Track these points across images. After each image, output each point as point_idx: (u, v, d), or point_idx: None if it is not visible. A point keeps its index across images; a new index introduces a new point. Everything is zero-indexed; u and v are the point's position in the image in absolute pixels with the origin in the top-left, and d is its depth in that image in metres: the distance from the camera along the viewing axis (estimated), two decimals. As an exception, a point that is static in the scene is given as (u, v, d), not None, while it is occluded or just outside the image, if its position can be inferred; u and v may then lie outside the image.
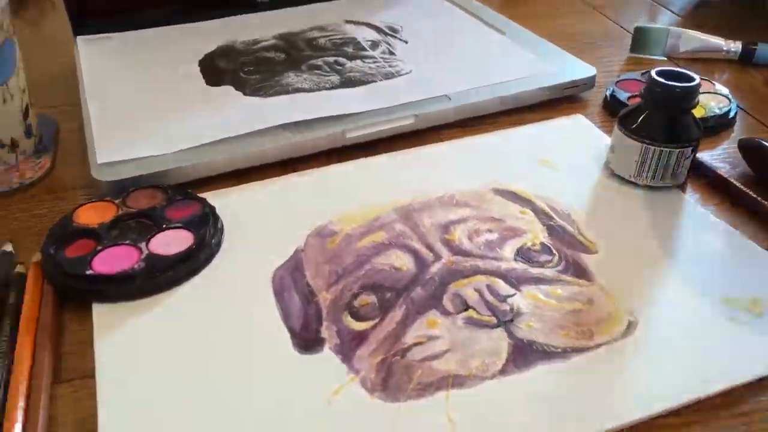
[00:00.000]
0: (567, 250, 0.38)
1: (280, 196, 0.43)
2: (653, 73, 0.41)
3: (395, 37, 0.61)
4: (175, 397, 0.30)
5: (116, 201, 0.40)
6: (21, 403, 0.29)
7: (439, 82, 0.51)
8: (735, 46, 0.60)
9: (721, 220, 0.40)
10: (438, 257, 0.37)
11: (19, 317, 0.33)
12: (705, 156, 0.47)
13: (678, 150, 0.41)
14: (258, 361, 0.31)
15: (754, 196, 0.41)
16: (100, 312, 0.34)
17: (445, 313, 0.34)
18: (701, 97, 0.50)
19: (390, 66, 0.55)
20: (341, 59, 0.56)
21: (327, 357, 0.32)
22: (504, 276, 0.36)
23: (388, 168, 0.45)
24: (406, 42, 0.59)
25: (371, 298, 0.35)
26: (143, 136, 0.45)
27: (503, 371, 0.31)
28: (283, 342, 0.32)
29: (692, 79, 0.40)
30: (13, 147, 0.45)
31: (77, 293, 0.35)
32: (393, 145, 0.47)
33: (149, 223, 0.39)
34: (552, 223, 0.40)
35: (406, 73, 0.54)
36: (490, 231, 0.39)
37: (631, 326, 0.33)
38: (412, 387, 0.30)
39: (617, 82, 0.54)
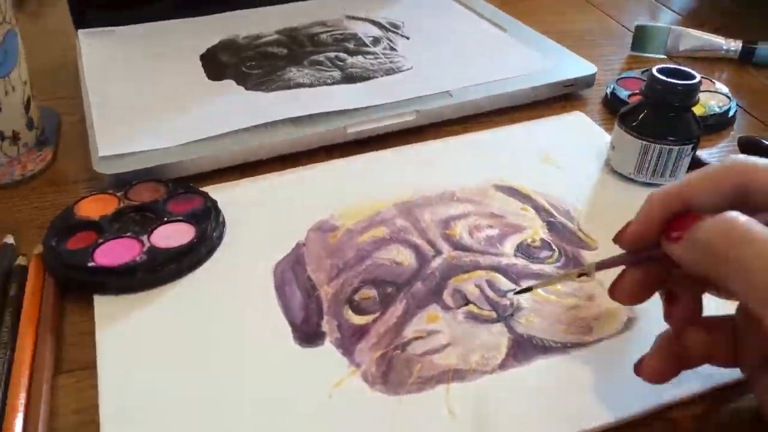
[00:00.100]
0: (567, 246, 0.38)
1: (281, 190, 0.43)
2: (654, 70, 0.41)
3: (397, 33, 0.61)
4: (176, 389, 0.30)
5: (118, 194, 0.40)
6: (22, 394, 0.29)
7: (440, 79, 0.52)
8: (735, 45, 0.60)
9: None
10: (439, 252, 0.37)
11: (20, 309, 0.33)
12: (705, 154, 0.47)
13: (678, 147, 0.41)
14: (259, 354, 0.32)
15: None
16: (101, 304, 0.34)
17: (446, 307, 0.34)
18: (701, 96, 0.50)
19: (391, 62, 0.55)
20: (343, 55, 0.56)
21: (328, 350, 0.32)
22: (504, 271, 0.36)
23: (390, 163, 0.45)
24: (408, 38, 0.60)
25: (372, 293, 0.35)
26: (145, 129, 0.46)
27: (503, 365, 0.31)
28: (284, 335, 0.33)
29: (693, 77, 0.40)
30: (14, 139, 0.45)
31: (79, 285, 0.35)
32: (394, 140, 0.48)
33: (151, 216, 0.39)
34: (552, 219, 0.40)
35: (408, 69, 0.54)
36: (490, 227, 0.39)
37: (629, 322, 0.33)
38: (412, 381, 0.30)
39: (618, 79, 0.54)
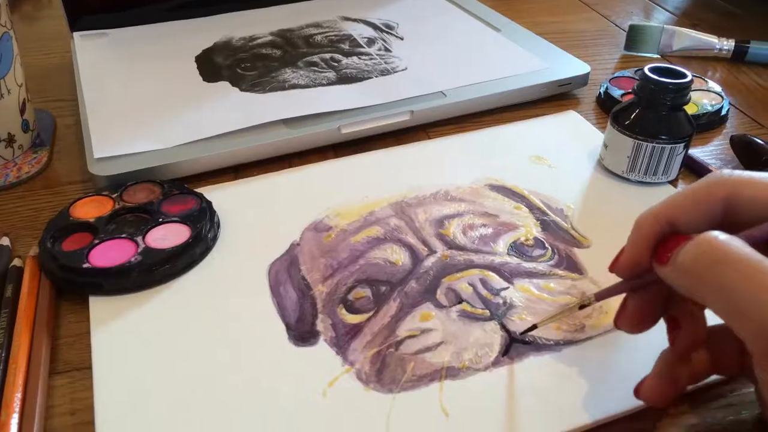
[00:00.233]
0: (560, 244, 0.38)
1: (276, 191, 0.43)
2: (646, 69, 0.41)
3: (391, 33, 0.61)
4: (171, 389, 0.30)
5: (113, 195, 0.40)
6: (18, 394, 0.29)
7: (434, 79, 0.52)
8: (728, 44, 0.60)
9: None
10: (432, 251, 0.37)
11: (16, 310, 0.34)
12: (697, 152, 0.47)
13: (670, 146, 0.41)
14: (254, 354, 0.32)
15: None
16: (96, 304, 0.34)
17: (439, 306, 0.34)
18: (694, 95, 0.50)
19: (386, 63, 0.55)
20: (337, 56, 0.56)
21: (322, 349, 0.32)
22: (497, 270, 0.36)
23: (384, 163, 0.45)
24: (402, 39, 0.60)
25: (366, 292, 0.35)
26: (140, 131, 0.46)
27: (496, 363, 0.31)
28: (278, 334, 0.33)
29: (684, 76, 0.41)
30: (10, 142, 0.46)
31: (74, 286, 0.35)
32: (388, 140, 0.48)
33: (146, 217, 0.39)
34: (545, 218, 0.40)
35: (402, 70, 0.54)
36: (484, 226, 0.39)
37: (622, 319, 0.33)
38: (406, 378, 0.30)
39: (611, 79, 0.54)
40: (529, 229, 0.39)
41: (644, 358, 0.31)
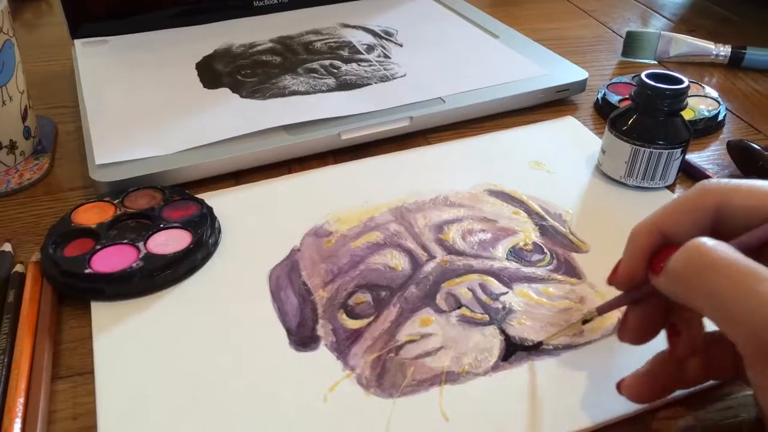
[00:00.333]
0: (559, 249, 0.39)
1: (276, 196, 0.43)
2: (643, 75, 0.42)
3: (390, 40, 0.61)
4: (173, 394, 0.30)
5: (114, 201, 0.40)
6: (21, 399, 0.30)
7: (433, 85, 0.52)
8: (724, 50, 0.61)
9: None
10: (432, 256, 0.38)
11: (18, 316, 0.34)
12: (694, 157, 0.47)
13: (667, 151, 0.42)
14: (255, 359, 0.32)
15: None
16: (98, 310, 0.35)
17: (439, 311, 0.34)
18: (691, 100, 0.51)
19: (385, 69, 0.55)
20: (337, 62, 0.57)
21: (323, 354, 0.32)
22: (497, 275, 0.36)
23: (383, 169, 0.46)
24: (401, 45, 0.60)
25: (366, 297, 0.35)
26: (141, 137, 0.46)
27: (495, 367, 0.31)
28: (279, 340, 0.33)
29: (681, 82, 0.41)
30: (12, 148, 0.46)
31: (76, 292, 0.36)
32: (388, 146, 0.48)
33: (147, 222, 0.39)
34: (544, 223, 0.41)
35: (401, 76, 0.54)
36: (483, 231, 0.40)
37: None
38: (406, 383, 0.31)
39: (608, 85, 0.55)
40: (528, 234, 0.40)
41: (643, 361, 0.31)
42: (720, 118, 0.51)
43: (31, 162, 0.47)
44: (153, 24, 0.63)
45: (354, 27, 0.64)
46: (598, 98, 0.54)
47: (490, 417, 0.29)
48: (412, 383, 0.31)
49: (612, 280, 0.29)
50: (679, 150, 0.42)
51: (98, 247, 0.37)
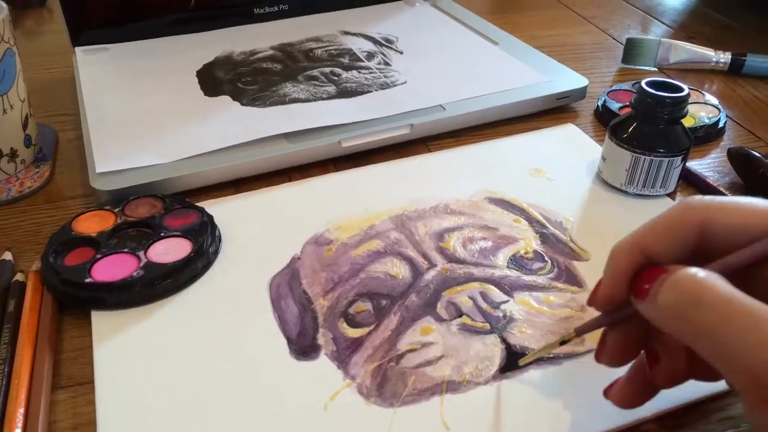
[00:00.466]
0: (559, 257, 0.38)
1: (277, 204, 0.43)
2: (643, 83, 0.42)
3: (390, 47, 0.61)
4: (173, 403, 0.30)
5: (115, 210, 0.40)
6: (21, 409, 0.30)
7: (433, 93, 0.52)
8: (725, 57, 0.61)
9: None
10: (433, 265, 0.38)
11: (19, 325, 0.34)
12: (695, 165, 0.47)
13: (668, 159, 0.42)
14: (255, 368, 0.32)
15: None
16: (98, 319, 0.35)
17: (440, 319, 0.34)
18: (691, 107, 0.51)
19: (385, 76, 0.55)
20: (337, 70, 0.57)
21: (323, 363, 0.32)
22: (497, 283, 0.36)
23: (384, 177, 0.46)
24: (402, 52, 0.60)
25: (367, 305, 0.35)
26: (142, 145, 0.46)
27: (496, 377, 0.31)
28: (280, 348, 0.33)
29: (681, 90, 0.41)
30: (12, 156, 0.46)
31: (76, 301, 0.36)
32: (388, 154, 0.48)
33: (148, 231, 0.39)
34: (545, 231, 0.41)
35: (402, 84, 0.54)
36: (484, 239, 0.40)
37: (621, 332, 0.33)
38: (407, 392, 0.31)
39: (609, 92, 0.55)
40: (529, 242, 0.40)
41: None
42: (720, 125, 0.51)
43: (32, 170, 0.47)
44: (154, 31, 0.64)
45: (354, 34, 0.64)
46: (598, 105, 0.54)
47: (492, 426, 0.29)
48: (413, 392, 0.31)
49: (592, 302, 0.28)
50: (680, 158, 0.42)
51: (99, 256, 0.37)
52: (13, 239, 0.41)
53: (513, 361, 0.32)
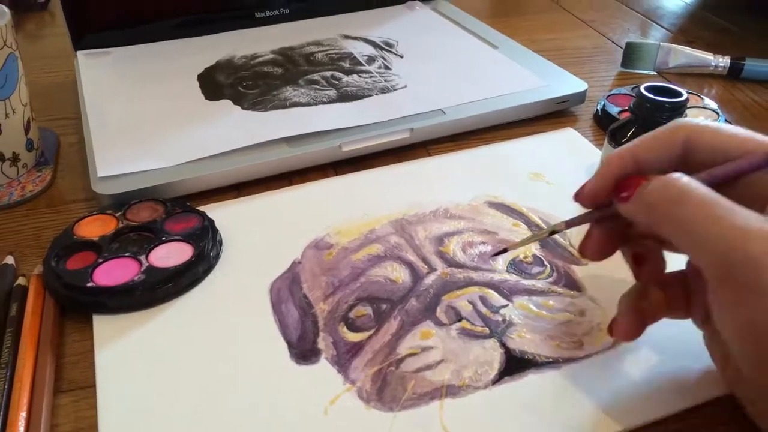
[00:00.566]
0: (558, 261, 0.39)
1: (277, 209, 0.43)
2: (642, 88, 0.42)
3: (391, 51, 0.62)
4: (174, 407, 0.31)
5: (116, 214, 0.41)
6: (23, 413, 0.30)
7: (433, 97, 0.52)
8: (723, 61, 0.61)
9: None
10: (432, 269, 0.38)
11: (21, 329, 0.34)
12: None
13: (667, 164, 0.42)
14: (256, 372, 0.32)
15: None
16: (100, 323, 0.35)
17: (439, 324, 0.34)
18: (690, 112, 0.51)
19: (386, 80, 0.56)
20: (338, 74, 0.57)
21: (323, 367, 0.32)
22: (497, 287, 0.37)
23: (384, 181, 0.46)
24: (402, 57, 0.61)
25: (367, 310, 0.35)
26: (143, 149, 0.46)
27: (496, 381, 0.31)
28: (280, 352, 0.33)
29: (680, 95, 0.41)
30: (14, 161, 0.46)
31: (78, 305, 0.36)
32: (388, 158, 0.48)
33: (149, 235, 0.39)
34: (544, 235, 0.41)
35: (402, 88, 0.55)
36: (483, 243, 0.40)
37: (620, 337, 0.34)
38: (406, 397, 0.31)
39: (608, 96, 0.55)
40: (528, 246, 0.40)
41: (643, 376, 0.32)
42: (719, 129, 0.52)
43: (34, 174, 0.47)
44: (155, 35, 0.64)
45: (355, 38, 0.64)
46: (597, 109, 0.54)
47: (491, 430, 0.29)
48: (413, 397, 0.31)
49: (577, 197, 0.31)
50: (678, 162, 0.42)
51: (100, 260, 0.37)
52: (14, 243, 0.41)
53: (512, 365, 0.32)
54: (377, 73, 0.57)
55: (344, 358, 0.33)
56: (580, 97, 0.54)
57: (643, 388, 0.31)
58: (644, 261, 0.31)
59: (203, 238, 0.39)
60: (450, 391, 0.31)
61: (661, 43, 0.62)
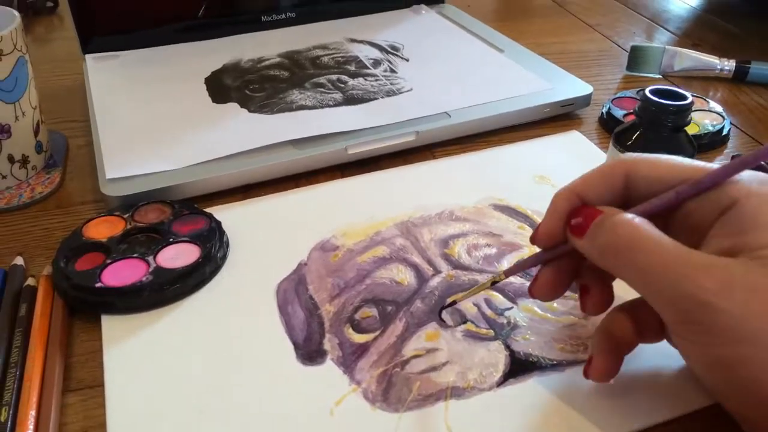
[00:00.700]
0: (563, 264, 0.39)
1: (283, 211, 0.44)
2: (647, 91, 0.42)
3: (396, 55, 0.62)
4: (181, 406, 0.31)
5: (125, 216, 0.41)
6: (32, 412, 0.30)
7: (439, 100, 0.53)
8: (729, 64, 0.61)
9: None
10: (438, 271, 0.38)
11: (30, 329, 0.34)
12: (699, 172, 0.48)
13: (671, 167, 0.42)
14: (262, 372, 0.32)
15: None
16: (108, 323, 0.35)
17: (444, 326, 0.35)
18: (695, 115, 0.51)
19: (391, 84, 0.56)
20: (344, 77, 0.57)
21: (329, 368, 0.33)
22: (502, 290, 0.37)
23: (390, 184, 0.46)
24: (408, 60, 0.61)
25: (372, 311, 0.36)
26: (151, 152, 0.47)
27: (500, 383, 0.32)
28: (286, 353, 0.33)
29: (685, 98, 0.41)
30: (24, 163, 0.47)
31: (87, 305, 0.36)
32: (394, 161, 0.49)
33: (157, 237, 0.40)
34: (549, 238, 0.41)
35: (408, 91, 0.55)
36: (488, 245, 0.40)
37: (625, 339, 0.34)
38: (412, 398, 0.31)
39: (613, 99, 0.55)
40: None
41: (645, 378, 0.32)
42: (724, 132, 0.52)
43: (43, 176, 0.48)
44: (163, 39, 0.64)
45: (360, 42, 0.65)
46: (603, 113, 0.54)
47: (495, 432, 0.29)
48: (418, 398, 0.31)
49: (533, 240, 0.32)
50: (683, 165, 0.42)
51: (109, 261, 0.38)
52: (24, 244, 0.42)
53: (517, 367, 0.32)
54: (383, 76, 0.57)
55: (350, 359, 0.33)
56: (585, 100, 0.55)
57: (646, 391, 0.31)
58: (590, 292, 0.31)
59: (210, 239, 0.39)
60: (455, 392, 0.31)
61: (666, 47, 0.62)
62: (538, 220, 0.42)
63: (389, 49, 0.63)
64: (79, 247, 0.39)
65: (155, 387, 0.32)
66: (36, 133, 0.47)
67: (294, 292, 0.37)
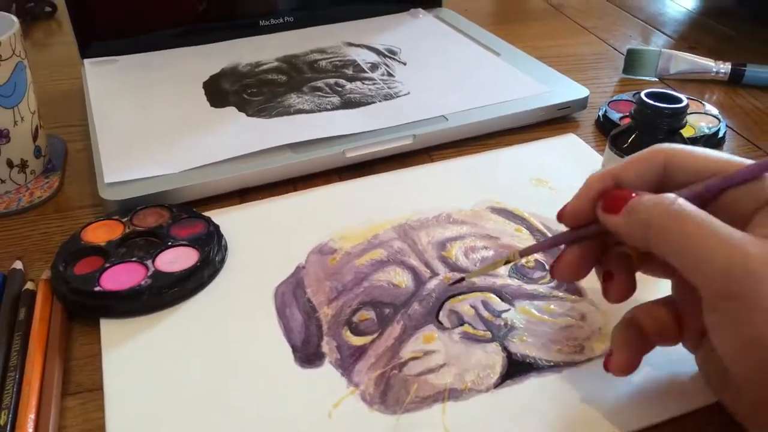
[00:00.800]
0: (560, 266, 0.39)
1: (281, 214, 0.44)
2: (642, 94, 0.42)
3: (394, 59, 0.62)
4: (180, 409, 0.31)
5: (123, 219, 0.41)
6: (31, 416, 0.30)
7: (436, 103, 0.53)
8: (725, 67, 0.61)
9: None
10: (435, 274, 0.38)
11: (29, 333, 0.34)
12: (695, 175, 0.48)
13: (667, 169, 0.42)
14: (261, 375, 0.33)
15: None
16: (107, 327, 0.35)
17: (442, 328, 0.35)
18: (691, 117, 0.51)
19: (389, 87, 0.56)
20: (341, 81, 0.57)
21: (327, 371, 0.33)
22: (499, 292, 0.37)
23: (387, 187, 0.46)
24: (405, 64, 0.61)
25: (370, 314, 0.36)
26: (149, 156, 0.47)
27: (498, 384, 0.32)
28: (284, 356, 0.33)
29: (680, 101, 0.42)
30: (22, 167, 0.47)
31: (85, 309, 0.36)
32: (392, 164, 0.49)
33: (155, 240, 0.40)
34: (546, 240, 0.41)
35: (405, 95, 0.55)
36: (485, 248, 0.40)
37: (621, 341, 0.34)
38: (409, 400, 0.31)
39: (610, 102, 0.55)
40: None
41: (643, 380, 0.32)
42: (720, 135, 0.52)
43: (42, 180, 0.48)
44: (161, 43, 0.65)
45: (358, 45, 0.65)
46: (599, 115, 0.54)
47: (493, 433, 0.30)
48: (416, 400, 0.31)
49: (560, 217, 0.31)
50: (679, 168, 0.42)
51: (107, 265, 0.38)
52: (23, 248, 0.42)
53: (514, 369, 0.33)
54: (380, 80, 0.58)
55: (348, 361, 0.33)
56: (581, 104, 0.55)
57: (643, 392, 0.31)
58: (613, 279, 0.31)
59: (209, 243, 0.39)
60: (452, 394, 0.31)
61: (662, 50, 0.62)
62: (535, 222, 0.43)
63: (387, 53, 0.63)
64: (78, 251, 0.39)
65: (154, 390, 0.32)
66: (35, 137, 0.48)
67: (292, 295, 0.37)
